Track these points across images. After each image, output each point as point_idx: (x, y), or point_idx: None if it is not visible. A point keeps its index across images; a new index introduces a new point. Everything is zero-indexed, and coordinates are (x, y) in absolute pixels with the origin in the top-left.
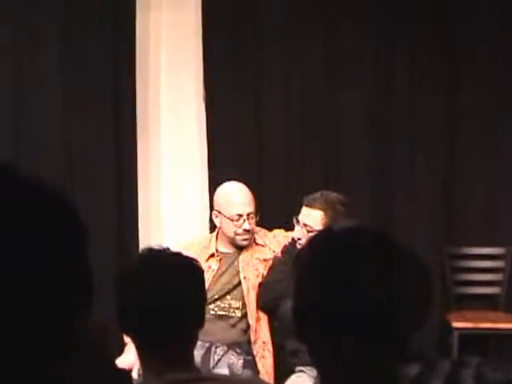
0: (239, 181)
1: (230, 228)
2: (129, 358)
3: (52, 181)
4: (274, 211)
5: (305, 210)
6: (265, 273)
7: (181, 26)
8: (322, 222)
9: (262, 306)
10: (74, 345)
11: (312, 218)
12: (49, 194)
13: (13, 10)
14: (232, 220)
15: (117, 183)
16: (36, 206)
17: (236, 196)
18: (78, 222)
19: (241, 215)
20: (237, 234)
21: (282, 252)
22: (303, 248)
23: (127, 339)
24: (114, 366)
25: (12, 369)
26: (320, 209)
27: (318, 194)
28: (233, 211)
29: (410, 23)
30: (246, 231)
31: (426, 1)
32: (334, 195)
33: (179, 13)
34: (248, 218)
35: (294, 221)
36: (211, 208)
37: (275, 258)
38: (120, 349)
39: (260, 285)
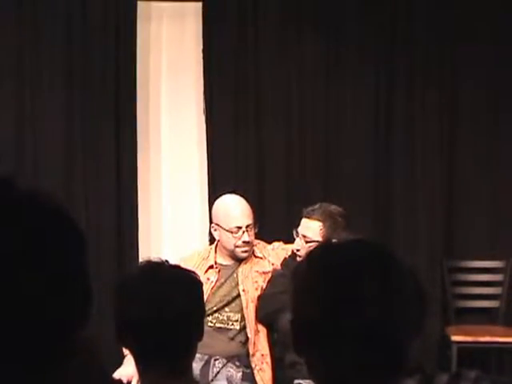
0: (239, 194)
1: (229, 241)
2: (128, 370)
3: (51, 192)
4: (274, 224)
5: (304, 221)
6: (264, 285)
7: (181, 38)
8: (321, 232)
9: (260, 318)
10: (71, 354)
11: (311, 229)
12: (47, 205)
13: (16, 20)
14: (231, 232)
15: (117, 196)
16: (34, 216)
17: (234, 209)
18: (77, 231)
19: (240, 227)
20: (237, 247)
21: (281, 265)
22: (301, 262)
23: (126, 351)
24: (109, 377)
25: (9, 375)
26: (318, 220)
27: (317, 206)
28: (232, 224)
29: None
30: (246, 243)
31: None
32: (333, 207)
33: (179, 25)
34: (247, 230)
35: (294, 233)
36: (211, 221)
37: (274, 270)
38: (119, 360)
39: (259, 297)
